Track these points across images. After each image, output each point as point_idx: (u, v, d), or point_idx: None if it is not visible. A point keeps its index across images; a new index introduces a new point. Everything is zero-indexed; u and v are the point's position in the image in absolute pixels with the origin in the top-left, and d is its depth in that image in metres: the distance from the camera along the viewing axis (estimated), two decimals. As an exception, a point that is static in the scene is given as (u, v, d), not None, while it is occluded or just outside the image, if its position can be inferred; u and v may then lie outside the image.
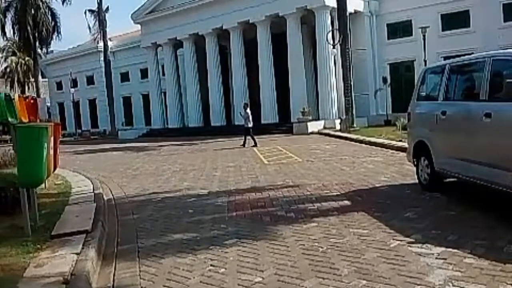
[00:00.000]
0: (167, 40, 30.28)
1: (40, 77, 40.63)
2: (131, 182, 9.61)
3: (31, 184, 5.36)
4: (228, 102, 29.14)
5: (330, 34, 23.11)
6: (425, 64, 18.22)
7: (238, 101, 25.29)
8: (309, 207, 6.00)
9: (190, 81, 29.88)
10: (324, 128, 22.13)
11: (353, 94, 21.18)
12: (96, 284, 3.79)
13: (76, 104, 40.54)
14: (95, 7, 35.37)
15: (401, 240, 4.32)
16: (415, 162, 6.96)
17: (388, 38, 25.39)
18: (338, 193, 6.79)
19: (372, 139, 14.72)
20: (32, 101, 9.79)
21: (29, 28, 36.21)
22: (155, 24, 30.81)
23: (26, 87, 47.66)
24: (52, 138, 6.06)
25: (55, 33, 38.80)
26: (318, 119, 23.43)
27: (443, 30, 23.08)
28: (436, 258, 3.80)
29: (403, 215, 5.26)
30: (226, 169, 10.50)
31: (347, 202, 6.17)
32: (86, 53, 40.64)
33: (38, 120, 9.44)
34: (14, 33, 38.18)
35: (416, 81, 7.65)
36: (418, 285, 3.30)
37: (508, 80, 4.68)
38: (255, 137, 16.42)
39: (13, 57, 48.33)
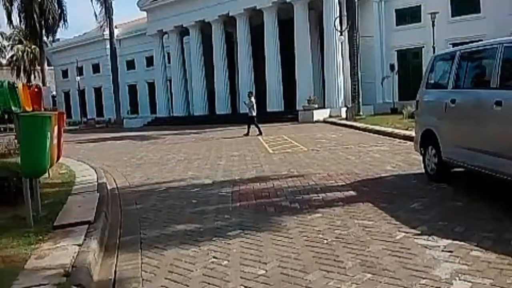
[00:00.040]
0: (173, 27, 30.10)
1: (46, 65, 40.71)
2: (135, 171, 9.59)
3: (34, 174, 5.32)
4: (233, 90, 29.01)
5: (337, 21, 22.79)
6: (434, 51, 17.96)
7: (243, 89, 25.15)
8: (313, 198, 5.93)
9: (196, 69, 29.75)
10: (330, 116, 21.97)
11: (359, 82, 20.96)
12: (98, 276, 3.76)
13: (81, 93, 40.65)
14: (101, -5, 35.18)
15: (406, 232, 4.24)
16: (422, 152, 6.85)
17: (397, 25, 24.98)
18: (343, 183, 6.71)
19: (378, 128, 14.57)
20: (36, 89, 9.72)
21: (35, 16, 36.18)
22: (161, 11, 30.62)
23: (32, 76, 47.84)
24: (56, 127, 6.01)
25: (61, 21, 38.82)
26: (324, 107, 23.25)
27: (452, 16, 22.65)
28: (443, 250, 3.73)
29: (409, 206, 5.17)
30: (231, 158, 10.45)
31: (352, 193, 6.09)
32: (92, 41, 40.61)
33: (42, 109, 9.39)
34: (20, 21, 38.28)
35: (424, 68, 7.50)
36: (424, 278, 3.23)
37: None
38: (260, 125, 16.34)
39: (19, 46, 48.44)
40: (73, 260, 3.72)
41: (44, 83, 35.53)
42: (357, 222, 4.70)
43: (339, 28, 22.69)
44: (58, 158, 6.78)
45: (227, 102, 28.61)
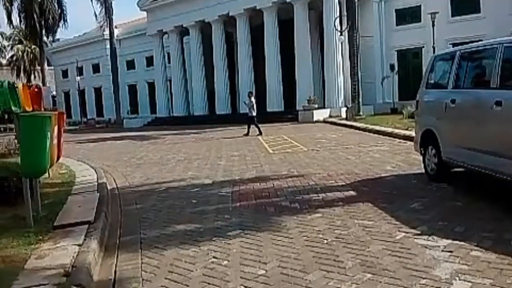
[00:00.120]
0: (173, 27, 30.09)
1: (46, 65, 40.69)
2: (135, 171, 9.58)
3: (34, 174, 5.32)
4: (233, 90, 29.01)
5: (337, 21, 22.78)
6: (434, 51, 17.95)
7: (243, 89, 25.15)
8: (313, 198, 5.93)
9: (196, 69, 29.75)
10: (330, 116, 21.97)
11: (359, 82, 20.95)
12: (98, 276, 3.76)
13: (81, 93, 40.63)
14: (101, -5, 35.17)
15: (406, 232, 4.24)
16: (422, 152, 6.85)
17: (397, 24, 24.97)
18: (343, 183, 6.71)
19: (378, 128, 14.57)
20: (36, 89, 9.72)
21: (35, 16, 36.17)
22: (161, 11, 30.61)
23: (32, 76, 47.83)
24: (56, 127, 6.01)
25: (61, 21, 38.81)
26: (324, 107, 23.24)
27: (452, 16, 22.65)
28: (443, 250, 3.73)
29: (409, 206, 5.17)
30: (231, 158, 10.44)
31: (352, 193, 6.09)
32: (92, 41, 40.60)
33: (42, 109, 9.38)
34: (20, 21, 38.27)
35: (424, 68, 7.49)
36: (424, 278, 3.23)
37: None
38: (260, 125, 16.34)
39: (19, 46, 48.43)
40: (73, 260, 3.72)
41: (44, 83, 35.52)
42: (357, 222, 4.70)
43: (339, 28, 22.69)
44: (58, 158, 6.78)
45: (227, 102, 28.61)
